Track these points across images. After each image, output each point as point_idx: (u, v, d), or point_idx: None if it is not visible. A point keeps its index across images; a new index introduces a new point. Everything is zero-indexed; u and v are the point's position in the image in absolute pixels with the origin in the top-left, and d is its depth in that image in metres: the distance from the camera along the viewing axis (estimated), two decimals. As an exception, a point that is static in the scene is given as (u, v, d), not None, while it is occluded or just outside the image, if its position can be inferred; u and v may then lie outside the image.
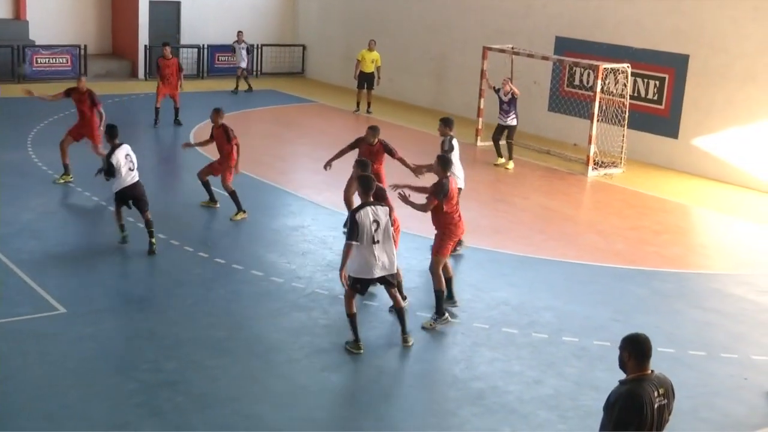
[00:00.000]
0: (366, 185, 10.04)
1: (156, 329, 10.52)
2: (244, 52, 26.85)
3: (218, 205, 15.17)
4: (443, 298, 11.15)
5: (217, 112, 14.87)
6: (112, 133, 13.15)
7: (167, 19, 28.85)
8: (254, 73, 29.83)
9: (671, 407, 6.07)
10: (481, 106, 21.85)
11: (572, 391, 9.60)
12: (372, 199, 10.00)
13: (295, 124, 23.05)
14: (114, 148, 12.96)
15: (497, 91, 19.70)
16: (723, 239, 16.13)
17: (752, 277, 13.73)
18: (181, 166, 17.46)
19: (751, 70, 19.00)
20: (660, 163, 20.67)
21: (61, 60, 26.83)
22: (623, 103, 19.94)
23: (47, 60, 26.57)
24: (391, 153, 13.71)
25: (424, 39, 26.44)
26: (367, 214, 9.80)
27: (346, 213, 14.94)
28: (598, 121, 19.58)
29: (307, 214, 15.48)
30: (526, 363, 10.20)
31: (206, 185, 15.11)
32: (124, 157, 12.94)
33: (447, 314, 11.10)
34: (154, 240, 12.99)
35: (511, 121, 19.55)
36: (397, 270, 10.49)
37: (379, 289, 11.21)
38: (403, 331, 10.40)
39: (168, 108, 21.61)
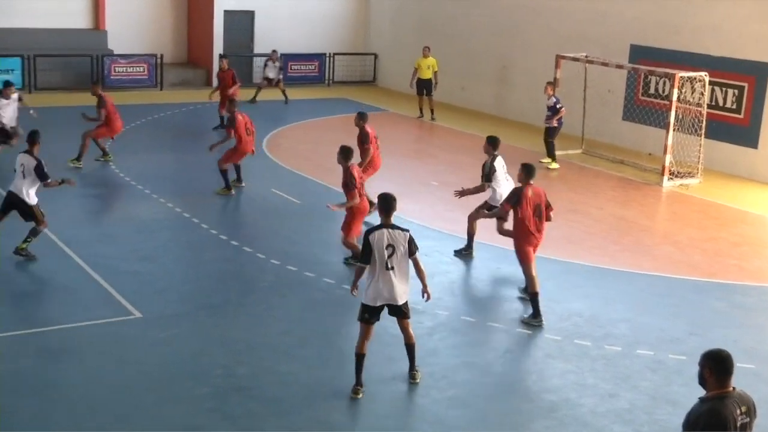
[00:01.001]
0: (385, 205, 9.29)
1: (228, 335, 10.61)
2: (276, 70, 26.73)
3: (233, 192, 16.35)
4: (538, 300, 11.33)
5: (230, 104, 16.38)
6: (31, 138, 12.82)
7: (242, 28, 29.21)
8: (326, 81, 30.05)
9: (753, 425, 5.89)
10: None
11: (648, 405, 9.42)
12: (391, 222, 9.27)
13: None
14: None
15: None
16: (804, 252, 15.68)
17: (835, 292, 13.32)
18: (249, 173, 17.62)
19: (835, 78, 18.48)
20: (739, 173, 20.20)
21: (138, 69, 27.35)
22: (700, 112, 19.55)
23: (125, 69, 27.11)
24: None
25: (492, 46, 26.33)
26: (382, 237, 9.04)
27: (416, 222, 14.94)
28: (674, 130, 19.23)
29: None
30: (600, 376, 10.04)
31: (223, 173, 16.29)
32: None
33: (542, 320, 11.24)
34: (23, 246, 12.47)
35: (552, 123, 19.92)
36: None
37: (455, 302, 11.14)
38: (411, 368, 9.64)
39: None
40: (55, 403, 8.84)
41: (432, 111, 24.88)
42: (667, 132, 19.15)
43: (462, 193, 13.40)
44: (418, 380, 9.64)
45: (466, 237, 13.90)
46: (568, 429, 8.88)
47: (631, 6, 22.52)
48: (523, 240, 11.43)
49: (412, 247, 9.15)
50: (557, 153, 20.72)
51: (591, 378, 9.97)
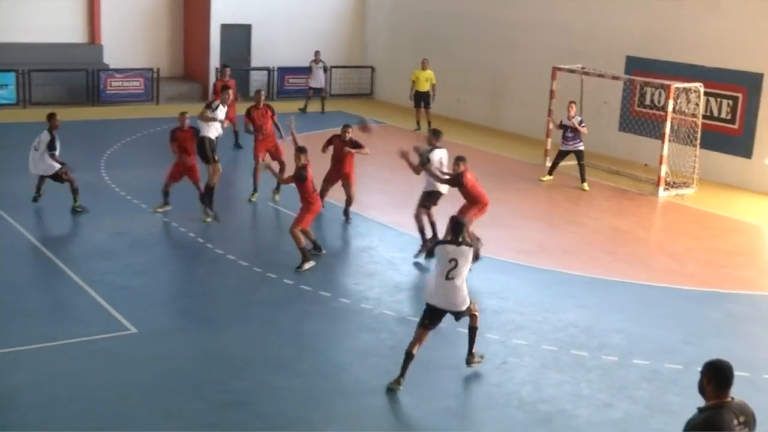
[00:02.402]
0: (456, 230, 9.83)
1: (224, 349, 10.61)
2: (320, 72, 27.23)
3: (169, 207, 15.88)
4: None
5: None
6: None
7: (238, 41, 29.26)
8: (323, 94, 30.09)
9: None
10: (550, 127, 21.70)
11: (643, 415, 9.43)
12: (459, 240, 9.70)
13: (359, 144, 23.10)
14: None
15: (561, 125, 19.43)
16: (800, 261, 15.72)
17: (831, 300, 13.35)
18: (244, 186, 17.64)
19: (828, 87, 18.54)
20: (733, 183, 20.25)
21: (134, 83, 27.39)
22: (695, 123, 19.61)
23: (121, 83, 27.15)
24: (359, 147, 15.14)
25: (488, 59, 26.39)
26: (447, 253, 9.59)
27: (412, 234, 14.95)
28: (669, 141, 19.28)
29: (374, 235, 15.51)
30: (596, 386, 10.05)
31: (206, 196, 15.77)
32: None
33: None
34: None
35: (579, 145, 19.35)
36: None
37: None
38: (469, 352, 10.31)
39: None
40: (49, 420, 8.82)
41: (429, 123, 24.93)
42: (663, 142, 19.20)
43: (403, 155, 14.03)
44: (473, 364, 10.21)
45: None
46: (563, 440, 8.88)
47: (626, 19, 22.60)
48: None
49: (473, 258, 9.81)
50: (551, 166, 20.69)
51: (586, 388, 9.98)
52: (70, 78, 26.59)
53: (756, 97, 19.79)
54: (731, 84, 20.23)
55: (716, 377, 5.72)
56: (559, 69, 21.65)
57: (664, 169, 19.18)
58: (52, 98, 25.71)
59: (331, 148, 15.91)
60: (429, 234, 14.26)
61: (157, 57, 28.99)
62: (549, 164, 21.07)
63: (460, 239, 9.70)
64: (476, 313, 10.13)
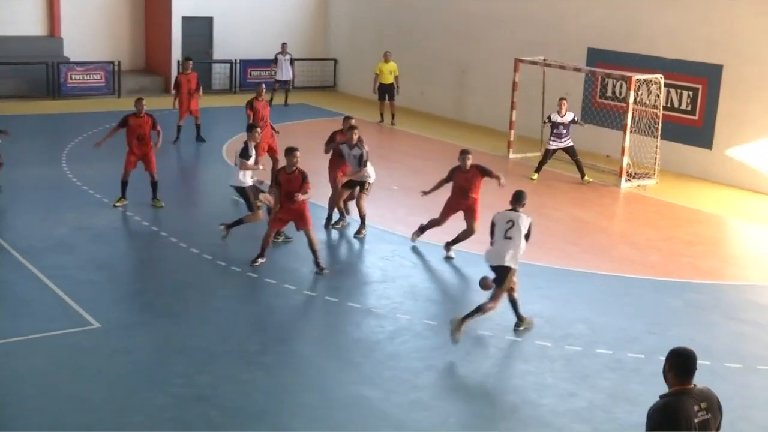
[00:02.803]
0: (516, 198, 11.17)
1: (189, 343, 10.56)
2: (287, 64, 27.17)
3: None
4: None
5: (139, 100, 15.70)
6: None
7: (200, 34, 29.06)
8: (289, 87, 29.98)
9: (719, 422, 5.88)
10: (513, 119, 21.79)
11: (606, 404, 9.52)
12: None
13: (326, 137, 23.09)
14: None
15: (550, 120, 19.14)
16: (758, 250, 15.93)
17: (789, 289, 13.56)
18: (208, 180, 17.58)
19: (786, 79, 18.80)
20: (694, 173, 20.48)
21: (95, 76, 27.12)
22: (656, 114, 19.79)
23: (81, 76, 26.87)
24: (489, 174, 13.78)
25: (451, 50, 26.46)
26: (504, 216, 10.98)
27: (377, 227, 14.98)
28: (631, 132, 19.44)
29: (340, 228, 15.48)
30: (560, 376, 10.13)
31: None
32: None
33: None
34: None
35: (570, 141, 19.16)
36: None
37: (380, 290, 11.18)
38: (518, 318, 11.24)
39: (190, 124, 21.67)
40: (12, 417, 8.73)
41: (393, 116, 24.97)
42: (624, 134, 19.37)
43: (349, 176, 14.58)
44: (523, 328, 11.14)
45: (396, 235, 14.44)
46: (528, 429, 8.95)
47: (587, 11, 22.75)
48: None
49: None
50: (515, 156, 20.79)
51: (551, 378, 10.06)
52: (30, 71, 26.28)
53: (716, 89, 20.01)
54: (691, 75, 20.44)
55: (678, 364, 5.80)
56: (521, 61, 21.74)
57: (625, 160, 19.35)
58: (12, 91, 25.42)
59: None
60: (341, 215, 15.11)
61: (118, 50, 28.74)
62: (512, 155, 21.20)
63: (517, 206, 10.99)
64: (514, 287, 10.99)
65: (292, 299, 12.08)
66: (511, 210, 10.99)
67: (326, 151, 15.41)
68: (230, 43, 29.23)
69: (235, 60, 29.17)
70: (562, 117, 18.96)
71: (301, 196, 12.50)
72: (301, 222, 12.79)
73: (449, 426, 9.04)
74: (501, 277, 10.78)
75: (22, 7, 27.45)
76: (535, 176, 19.38)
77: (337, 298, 12.13)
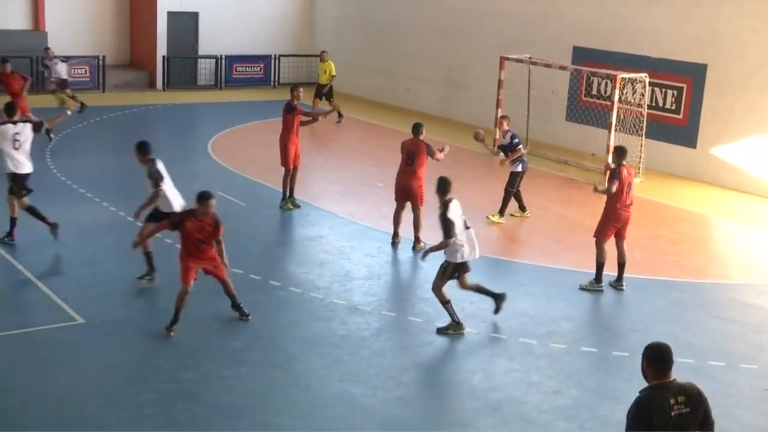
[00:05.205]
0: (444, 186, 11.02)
1: (172, 339, 10.52)
2: (61, 66, 23.21)
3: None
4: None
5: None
6: None
7: (185, 29, 28.99)
8: (272, 83, 29.93)
9: (700, 416, 5.89)
10: (499, 116, 21.80)
11: (591, 402, 9.55)
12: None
13: (311, 135, 23.07)
14: None
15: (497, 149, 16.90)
16: (742, 249, 16.02)
17: (772, 288, 13.63)
18: (192, 176, 17.52)
19: (770, 79, 18.90)
20: (678, 172, 20.56)
21: (79, 70, 26.99)
22: (641, 113, 19.86)
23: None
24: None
25: (437, 48, 26.48)
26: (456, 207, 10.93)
27: (362, 223, 14.98)
28: (616, 130, 19.50)
29: (324, 224, 15.48)
30: (545, 373, 10.15)
31: None
32: None
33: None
34: None
35: (515, 167, 15.98)
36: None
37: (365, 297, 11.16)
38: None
39: None
40: (-5, 411, 8.70)
41: (339, 113, 24.49)
42: (610, 132, 19.43)
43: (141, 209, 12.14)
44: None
45: (381, 231, 14.45)
46: (513, 426, 8.96)
47: (573, 9, 22.80)
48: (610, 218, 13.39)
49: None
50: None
51: (536, 375, 10.08)
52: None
53: (700, 88, 20.10)
54: (676, 74, 20.52)
55: (654, 359, 5.89)
56: (507, 59, 21.77)
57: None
58: (-5, 86, 25.19)
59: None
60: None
61: (103, 44, 28.62)
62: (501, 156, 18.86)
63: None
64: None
65: (278, 296, 12.06)
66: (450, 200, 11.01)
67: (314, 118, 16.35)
68: (216, 39, 29.15)
69: (221, 56, 29.09)
70: (503, 138, 16.27)
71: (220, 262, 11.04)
72: (218, 271, 11.10)
73: (434, 423, 9.06)
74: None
75: (6, 0, 27.28)
76: (527, 214, 16.52)
77: (322, 294, 12.11)
